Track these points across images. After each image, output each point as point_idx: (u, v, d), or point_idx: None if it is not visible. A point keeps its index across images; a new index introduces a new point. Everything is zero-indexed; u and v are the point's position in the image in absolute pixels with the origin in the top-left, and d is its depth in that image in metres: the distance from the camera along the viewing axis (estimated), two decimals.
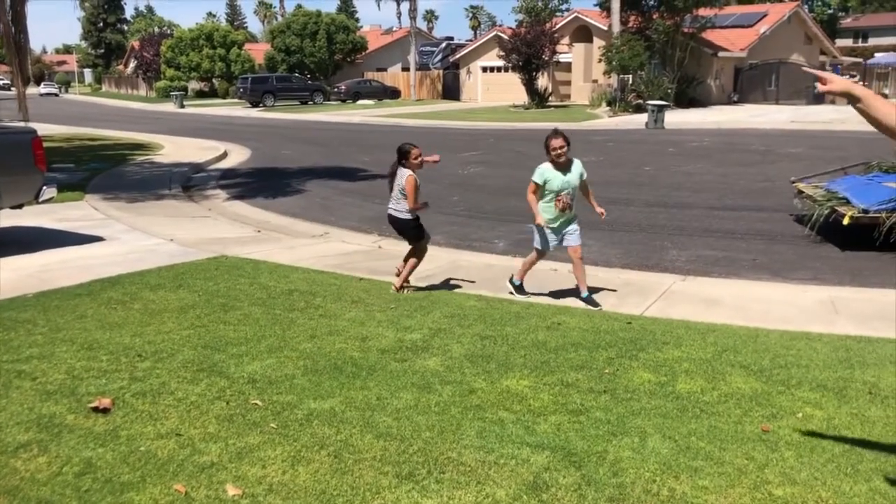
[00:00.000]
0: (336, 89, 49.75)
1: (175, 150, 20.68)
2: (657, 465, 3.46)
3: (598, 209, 6.60)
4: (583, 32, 42.26)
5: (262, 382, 4.43)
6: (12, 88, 21.05)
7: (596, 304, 6.39)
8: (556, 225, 6.52)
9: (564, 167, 6.39)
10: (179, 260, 7.81)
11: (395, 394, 4.29)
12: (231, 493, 3.18)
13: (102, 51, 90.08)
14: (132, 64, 72.41)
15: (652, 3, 35.46)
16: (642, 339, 5.33)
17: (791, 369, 4.71)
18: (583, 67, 42.60)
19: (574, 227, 6.57)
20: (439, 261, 8.15)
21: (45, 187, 8.39)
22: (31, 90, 16.55)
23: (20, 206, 8.48)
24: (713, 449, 3.62)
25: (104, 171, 15.87)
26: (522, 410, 4.08)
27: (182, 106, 46.83)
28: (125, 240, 8.96)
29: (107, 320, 5.63)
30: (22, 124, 10.27)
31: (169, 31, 69.09)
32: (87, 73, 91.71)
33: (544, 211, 6.46)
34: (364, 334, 5.38)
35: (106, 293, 6.40)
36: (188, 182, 15.15)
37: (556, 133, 6.38)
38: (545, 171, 6.41)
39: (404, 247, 7.08)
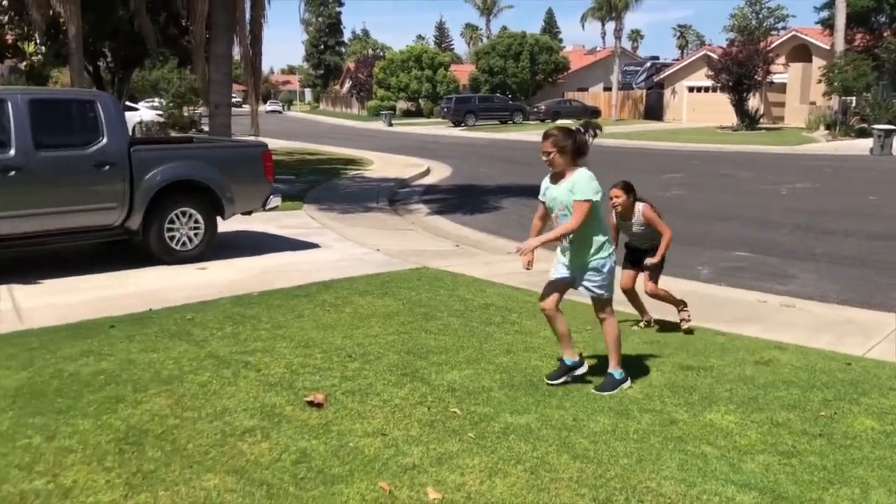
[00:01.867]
0: (535, 109, 50.18)
1: (383, 165, 21.81)
2: None
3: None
4: (800, 51, 39.72)
5: (461, 392, 4.55)
6: (243, 105, 23.20)
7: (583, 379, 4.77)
8: (563, 256, 4.86)
9: (556, 178, 4.68)
10: (385, 269, 8.21)
11: (592, 416, 4.24)
12: (432, 496, 3.30)
13: (322, 71, 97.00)
14: (347, 84, 77.42)
15: (883, 19, 32.63)
16: (864, 382, 4.89)
17: None
18: (799, 88, 40.00)
19: (590, 270, 4.69)
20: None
21: (271, 196, 9.16)
22: (258, 107, 18.38)
23: (250, 213, 9.33)
24: None
25: (320, 183, 17.05)
26: (727, 447, 3.88)
27: (390, 124, 49.29)
28: (337, 248, 9.56)
29: (321, 321, 6.05)
30: (253, 138, 11.32)
31: (381, 54, 73.09)
32: (307, 92, 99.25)
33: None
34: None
35: (321, 296, 6.87)
36: (394, 196, 15.90)
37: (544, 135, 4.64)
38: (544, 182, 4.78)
39: None
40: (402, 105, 63.08)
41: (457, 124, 46.88)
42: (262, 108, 74.80)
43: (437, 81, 60.63)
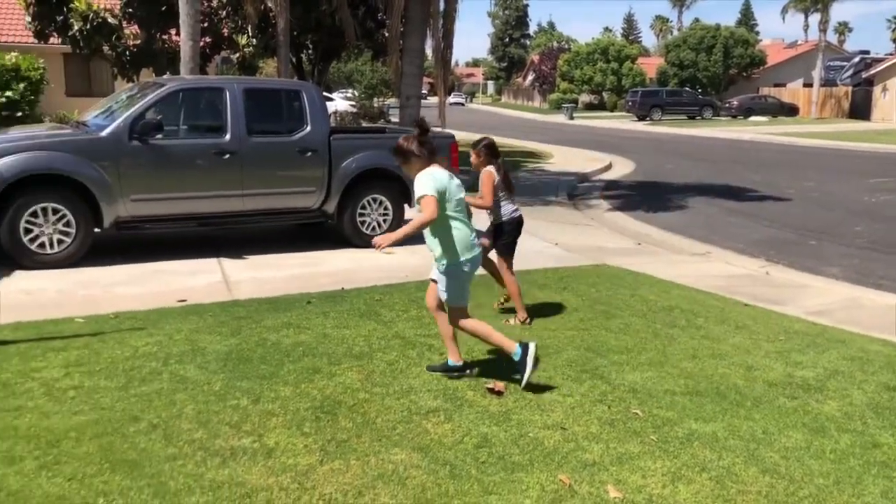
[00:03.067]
0: (727, 105, 47.80)
1: (563, 159, 21.67)
2: None
3: None
4: None
5: (643, 394, 4.47)
6: (428, 98, 23.88)
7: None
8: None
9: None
10: (563, 264, 8.18)
11: (784, 431, 4.02)
12: (612, 494, 3.28)
13: (505, 64, 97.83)
14: (530, 77, 77.59)
15: None
16: None
17: None
18: None
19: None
20: (833, 295, 7.43)
21: None
22: (445, 99, 18.90)
23: None
24: None
25: None
26: None
27: (571, 117, 48.85)
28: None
29: (499, 310, 6.14)
30: (440, 129, 11.62)
31: (566, 46, 72.49)
32: (490, 84, 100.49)
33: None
34: (749, 363, 5.12)
35: (498, 286, 6.94)
36: (573, 191, 15.77)
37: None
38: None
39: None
40: (584, 98, 62.30)
41: (641, 119, 45.65)
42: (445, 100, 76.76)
43: (622, 74, 59.32)
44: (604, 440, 3.81)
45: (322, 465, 3.50)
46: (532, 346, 4.43)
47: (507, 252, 6.08)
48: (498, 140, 30.88)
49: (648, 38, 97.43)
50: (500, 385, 4.44)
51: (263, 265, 7.65)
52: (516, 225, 6.09)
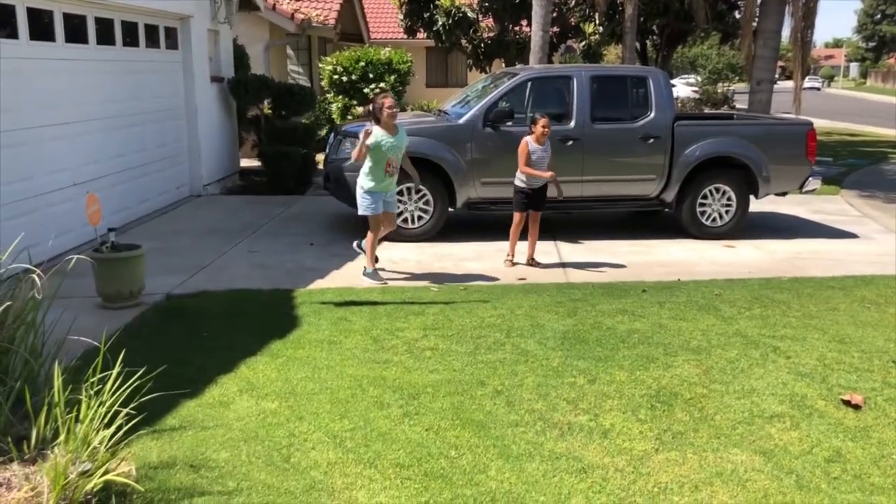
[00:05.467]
0: None
1: None
2: None
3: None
4: None
5: None
6: (777, 82, 22.09)
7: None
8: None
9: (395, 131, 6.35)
10: None
11: None
12: None
13: (874, 44, 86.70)
14: None
15: None
16: None
17: None
18: None
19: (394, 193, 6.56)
20: None
21: (810, 178, 8.62)
22: (802, 84, 17.23)
23: (784, 194, 8.94)
24: None
25: (861, 167, 15.43)
26: None
27: None
28: (880, 240, 8.59)
29: (859, 318, 5.55)
30: (795, 116, 10.74)
31: None
32: (853, 67, 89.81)
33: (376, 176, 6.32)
34: None
35: (859, 291, 6.29)
36: None
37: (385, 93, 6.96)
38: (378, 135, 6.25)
39: None
40: None
41: None
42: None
43: None
44: None
45: (657, 453, 3.49)
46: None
47: None
48: (857, 128, 27.86)
49: None
50: (857, 398, 4.04)
51: (596, 250, 7.76)
52: None
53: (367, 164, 6.29)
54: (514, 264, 7.06)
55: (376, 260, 6.55)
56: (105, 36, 7.99)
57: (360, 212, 6.43)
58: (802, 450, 3.52)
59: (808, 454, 3.48)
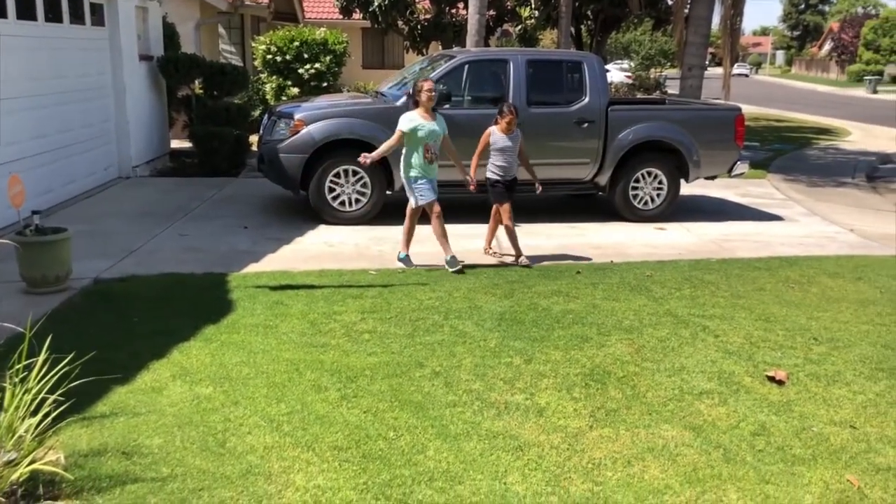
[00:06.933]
0: None
1: (863, 137, 19.53)
2: None
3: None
4: None
5: None
6: (708, 68, 22.62)
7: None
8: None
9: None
10: (859, 252, 7.44)
11: None
12: None
13: (798, 33, 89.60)
14: (826, 46, 70.36)
15: None
16: None
17: None
18: None
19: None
20: None
21: (738, 162, 8.88)
22: (730, 70, 17.67)
23: (713, 178, 9.19)
24: None
25: (786, 152, 15.96)
26: None
27: (875, 91, 43.65)
28: (803, 222, 8.93)
29: (784, 297, 5.77)
30: (723, 102, 11.03)
31: (875, 12, 64.64)
32: (779, 54, 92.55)
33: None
34: None
35: (784, 271, 6.52)
36: (874, 172, 14.15)
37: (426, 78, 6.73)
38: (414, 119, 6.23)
39: None
40: (892, 70, 55.28)
41: None
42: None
43: None
44: None
45: (591, 430, 3.57)
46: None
47: None
48: (783, 114, 28.64)
49: None
50: (781, 374, 4.20)
51: (533, 233, 7.84)
52: None
53: (405, 151, 6.24)
54: (496, 254, 6.97)
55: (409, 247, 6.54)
56: (26, 11, 7.65)
57: (420, 203, 6.32)
58: (729, 424, 3.65)
59: (735, 428, 3.61)
